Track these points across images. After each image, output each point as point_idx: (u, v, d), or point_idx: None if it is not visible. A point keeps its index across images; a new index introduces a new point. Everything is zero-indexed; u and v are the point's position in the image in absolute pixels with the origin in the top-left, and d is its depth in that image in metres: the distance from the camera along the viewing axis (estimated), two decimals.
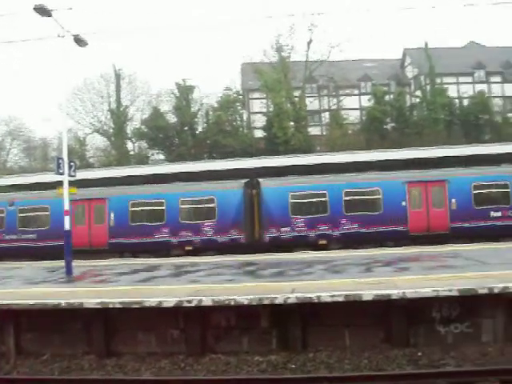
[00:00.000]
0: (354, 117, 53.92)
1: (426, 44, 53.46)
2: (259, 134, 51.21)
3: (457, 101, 53.22)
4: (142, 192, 27.07)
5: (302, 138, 47.33)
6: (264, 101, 52.34)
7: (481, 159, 27.05)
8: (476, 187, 25.11)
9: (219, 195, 26.10)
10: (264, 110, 51.75)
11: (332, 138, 48.68)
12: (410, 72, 60.83)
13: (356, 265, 16.23)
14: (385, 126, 50.48)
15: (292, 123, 48.69)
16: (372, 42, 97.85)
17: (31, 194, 28.74)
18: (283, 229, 25.43)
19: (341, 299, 11.11)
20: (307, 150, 44.72)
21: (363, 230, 24.95)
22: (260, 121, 51.73)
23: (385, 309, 11.45)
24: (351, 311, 11.47)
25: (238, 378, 10.02)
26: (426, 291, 11.10)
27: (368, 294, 11.12)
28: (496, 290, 11.06)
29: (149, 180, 29.04)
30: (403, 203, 25.22)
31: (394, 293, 11.10)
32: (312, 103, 53.74)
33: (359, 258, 18.16)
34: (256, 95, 55.14)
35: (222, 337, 11.94)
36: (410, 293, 11.08)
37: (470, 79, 57.73)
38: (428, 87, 52.68)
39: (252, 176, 27.19)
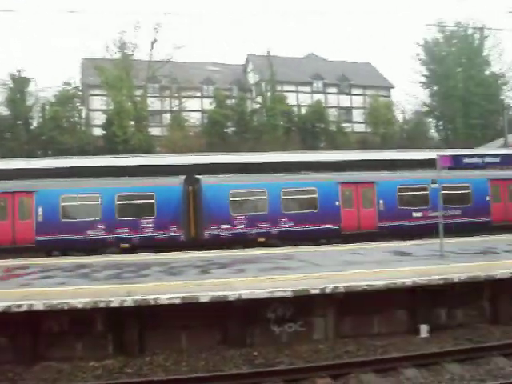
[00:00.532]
0: (195, 119, 54.06)
1: (269, 52, 55.07)
2: (98, 132, 49.69)
3: (295, 109, 55.39)
4: (75, 186, 25.18)
5: (143, 138, 46.59)
6: (104, 98, 50.91)
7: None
8: (400, 189, 27.03)
9: (158, 191, 25.32)
10: (104, 107, 50.31)
11: (173, 140, 48.44)
12: (252, 78, 62.35)
13: (193, 267, 16.22)
14: (225, 130, 51.23)
15: (132, 122, 47.81)
16: (216, 45, 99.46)
17: None
18: (223, 226, 25.24)
19: (178, 301, 11.02)
20: (147, 150, 44.12)
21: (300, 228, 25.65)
22: (100, 118, 50.13)
23: (221, 310, 11.53)
24: (188, 313, 11.42)
25: None
26: (262, 292, 11.35)
27: (205, 296, 11.14)
28: (327, 291, 11.58)
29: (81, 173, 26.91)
30: (337, 203, 26.38)
31: (231, 294, 11.22)
32: (154, 103, 53.14)
33: (197, 259, 18.18)
34: (97, 92, 53.46)
35: (55, 343, 11.34)
36: (246, 294, 11.26)
37: (308, 89, 60.41)
38: (268, 94, 54.20)
39: (186, 172, 26.56)
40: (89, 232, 24.40)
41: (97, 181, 25.90)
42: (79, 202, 24.96)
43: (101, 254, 22.18)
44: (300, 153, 33.98)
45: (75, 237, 24.15)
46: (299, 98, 58.02)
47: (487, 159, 17.66)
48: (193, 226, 25.78)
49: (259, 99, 56.38)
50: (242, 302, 11.26)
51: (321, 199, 26.40)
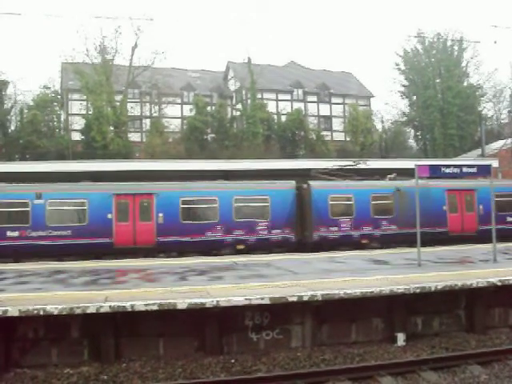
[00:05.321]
0: (174, 125, 53.95)
1: (249, 59, 55.12)
2: (77, 136, 49.35)
3: (275, 116, 55.57)
4: (194, 189, 26.10)
5: (122, 144, 46.43)
6: (84, 103, 50.62)
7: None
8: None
9: (273, 194, 26.29)
10: (83, 112, 50.02)
11: (152, 145, 48.32)
12: (233, 85, 62.46)
13: (171, 274, 16.14)
14: (205, 137, 51.22)
15: (112, 128, 47.61)
16: (197, 52, 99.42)
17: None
18: (331, 228, 26.25)
19: (155, 308, 10.95)
20: (126, 155, 43.99)
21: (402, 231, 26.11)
22: (79, 123, 49.81)
23: (199, 317, 11.48)
24: (165, 321, 11.35)
25: None
26: (239, 299, 11.32)
27: (182, 303, 11.07)
28: (305, 298, 11.59)
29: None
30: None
31: (208, 301, 11.18)
32: (133, 109, 52.95)
33: (176, 266, 18.10)
34: (76, 96, 53.07)
35: (29, 349, 11.18)
36: (224, 301, 11.22)
37: (288, 97, 60.63)
38: (249, 101, 54.31)
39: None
40: (208, 233, 25.27)
41: (214, 184, 26.94)
42: (198, 205, 25.93)
43: (217, 256, 23.29)
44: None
45: (195, 238, 25.01)
46: (279, 106, 58.22)
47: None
48: (302, 227, 26.69)
49: (239, 106, 56.47)
50: (220, 309, 11.22)
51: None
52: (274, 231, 25.85)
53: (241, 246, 25.32)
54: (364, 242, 26.48)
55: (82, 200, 24.68)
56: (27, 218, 24.05)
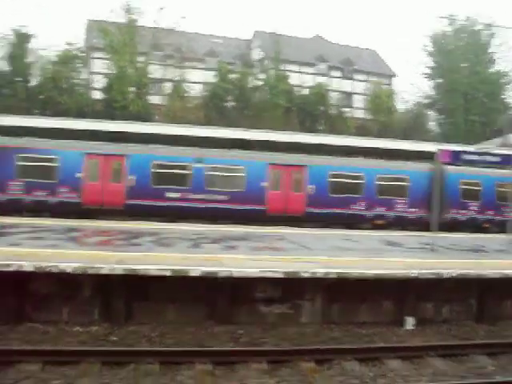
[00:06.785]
0: (196, 91, 53.61)
1: (275, 30, 54.53)
2: (97, 95, 49.27)
3: (297, 89, 55.03)
4: (342, 164, 27.76)
5: (142, 105, 46.31)
6: (107, 62, 50.37)
7: None
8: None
9: (412, 175, 27.86)
10: (106, 70, 49.82)
11: (172, 109, 48.16)
12: (257, 54, 61.78)
13: (186, 240, 16.16)
14: (225, 104, 50.91)
15: (133, 88, 47.44)
16: (222, 19, 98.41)
17: None
18: (461, 211, 27.89)
19: (168, 273, 10.97)
20: (145, 117, 43.88)
21: None
22: (100, 82, 49.68)
23: (211, 286, 11.49)
24: (177, 286, 11.37)
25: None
26: (253, 271, 11.31)
27: (195, 270, 11.09)
28: (318, 275, 11.56)
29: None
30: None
31: (221, 270, 11.18)
32: (156, 71, 52.63)
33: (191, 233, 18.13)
34: (99, 55, 52.82)
35: (42, 305, 11.27)
36: (237, 272, 11.22)
37: (311, 70, 59.95)
38: (272, 72, 53.81)
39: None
40: (352, 207, 26.87)
41: (360, 161, 29.12)
42: (345, 180, 27.13)
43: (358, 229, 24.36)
44: None
45: (339, 210, 26.51)
46: (302, 79, 57.61)
47: None
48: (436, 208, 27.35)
49: (262, 76, 55.98)
50: (232, 279, 11.22)
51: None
52: (410, 209, 27.45)
53: (379, 222, 26.94)
54: (486, 225, 27.65)
55: (241, 167, 26.16)
56: (188, 180, 25.50)
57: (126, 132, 29.81)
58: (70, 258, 11.27)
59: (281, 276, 11.34)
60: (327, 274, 11.60)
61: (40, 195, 24.03)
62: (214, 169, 25.70)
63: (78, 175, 24.44)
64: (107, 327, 10.97)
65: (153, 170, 25.17)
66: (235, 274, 11.18)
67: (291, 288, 11.86)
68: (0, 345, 9.78)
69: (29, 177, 24.10)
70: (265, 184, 26.04)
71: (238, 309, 11.83)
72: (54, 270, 10.64)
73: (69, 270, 10.66)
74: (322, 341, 10.98)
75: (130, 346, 10.16)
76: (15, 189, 23.92)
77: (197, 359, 9.38)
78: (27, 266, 10.56)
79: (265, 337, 11.00)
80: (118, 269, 10.84)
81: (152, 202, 24.51)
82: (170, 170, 25.41)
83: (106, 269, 10.79)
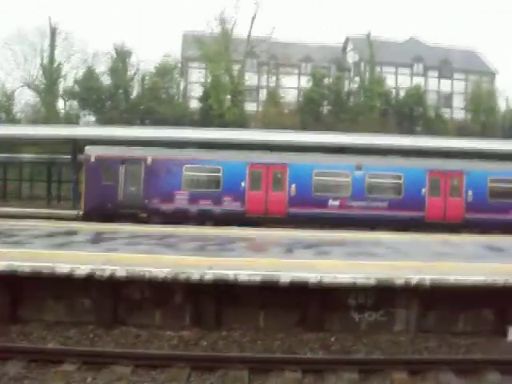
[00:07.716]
0: (291, 96, 53.75)
1: (369, 32, 53.85)
2: (195, 104, 50.44)
3: (393, 91, 53.98)
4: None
5: (238, 113, 46.95)
6: (202, 71, 51.52)
7: None
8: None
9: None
10: (202, 80, 50.93)
11: (267, 116, 48.51)
12: (351, 58, 61.14)
13: (278, 245, 16.06)
14: (320, 109, 50.71)
15: (229, 96, 48.20)
16: (315, 26, 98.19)
17: None
18: None
19: (258, 279, 10.91)
20: (242, 125, 44.38)
21: None
22: (197, 91, 50.88)
23: (302, 292, 11.32)
24: (268, 292, 11.29)
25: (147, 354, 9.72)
26: (345, 277, 11.04)
27: (285, 276, 10.96)
28: (413, 282, 11.12)
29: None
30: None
31: (312, 277, 10.99)
32: (251, 79, 53.26)
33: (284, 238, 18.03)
34: (195, 65, 54.16)
35: (135, 309, 11.54)
36: (328, 278, 10.99)
37: (408, 71, 58.56)
38: (367, 75, 53.10)
39: None
40: None
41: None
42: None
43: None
44: None
45: (500, 216, 25.47)
46: (398, 81, 56.40)
47: None
48: None
49: (357, 79, 55.34)
50: (324, 285, 11.00)
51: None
52: None
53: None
54: None
55: (399, 174, 26.15)
56: (348, 188, 25.96)
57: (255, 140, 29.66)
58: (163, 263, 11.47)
59: (373, 283, 11.01)
60: (422, 280, 11.13)
61: (205, 204, 25.16)
62: (374, 176, 25.99)
63: (242, 185, 25.34)
64: (198, 332, 11.04)
65: (315, 178, 25.66)
66: (326, 280, 10.95)
67: (385, 295, 11.48)
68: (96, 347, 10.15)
69: (194, 187, 25.46)
70: (424, 190, 25.99)
71: (329, 315, 11.58)
72: (148, 274, 10.87)
73: (161, 276, 10.84)
74: (415, 350, 10.54)
75: (220, 351, 10.17)
76: (181, 198, 25.21)
77: (286, 366, 9.25)
78: (120, 270, 10.86)
79: (356, 344, 10.70)
80: (209, 274, 10.90)
81: (313, 209, 25.04)
82: (331, 177, 26.00)
83: (196, 274, 10.87)
